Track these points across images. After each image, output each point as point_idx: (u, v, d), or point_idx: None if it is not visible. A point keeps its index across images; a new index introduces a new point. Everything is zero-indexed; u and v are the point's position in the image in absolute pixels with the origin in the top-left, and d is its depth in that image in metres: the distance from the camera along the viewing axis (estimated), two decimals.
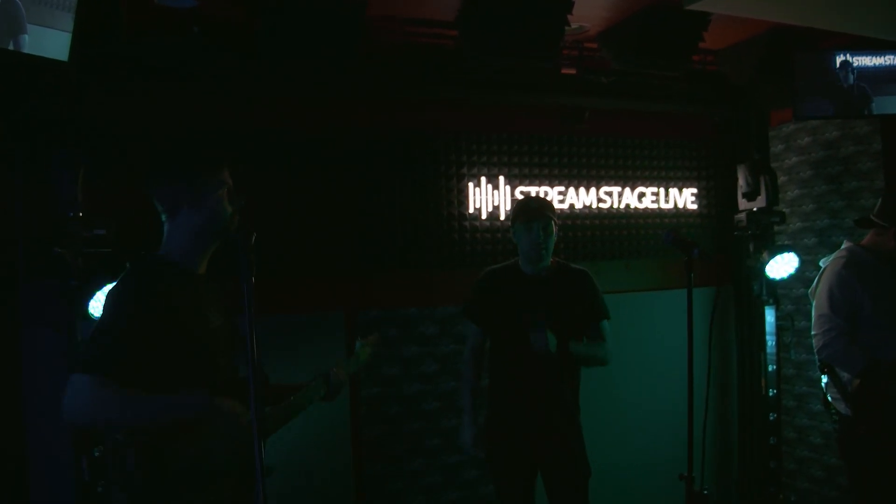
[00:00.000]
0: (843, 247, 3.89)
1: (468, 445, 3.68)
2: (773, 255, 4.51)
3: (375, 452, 4.29)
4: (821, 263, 3.96)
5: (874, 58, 4.40)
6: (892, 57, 4.41)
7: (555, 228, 3.55)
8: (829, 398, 3.84)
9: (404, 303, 4.37)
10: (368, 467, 4.27)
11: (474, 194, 4.48)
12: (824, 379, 3.86)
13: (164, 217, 2.42)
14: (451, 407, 4.43)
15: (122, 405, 2.17)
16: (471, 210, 4.48)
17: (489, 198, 4.51)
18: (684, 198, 5.15)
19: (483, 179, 4.51)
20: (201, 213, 2.38)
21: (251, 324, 2.03)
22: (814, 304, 3.84)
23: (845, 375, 3.71)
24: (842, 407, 3.75)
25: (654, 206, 5.05)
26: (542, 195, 4.62)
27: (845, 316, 3.64)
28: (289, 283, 3.95)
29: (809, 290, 3.98)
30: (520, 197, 4.53)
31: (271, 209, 3.76)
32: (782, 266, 4.54)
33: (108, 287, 3.07)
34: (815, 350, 3.74)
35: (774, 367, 4.84)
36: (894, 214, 3.73)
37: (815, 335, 3.73)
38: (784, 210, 4.95)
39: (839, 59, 4.40)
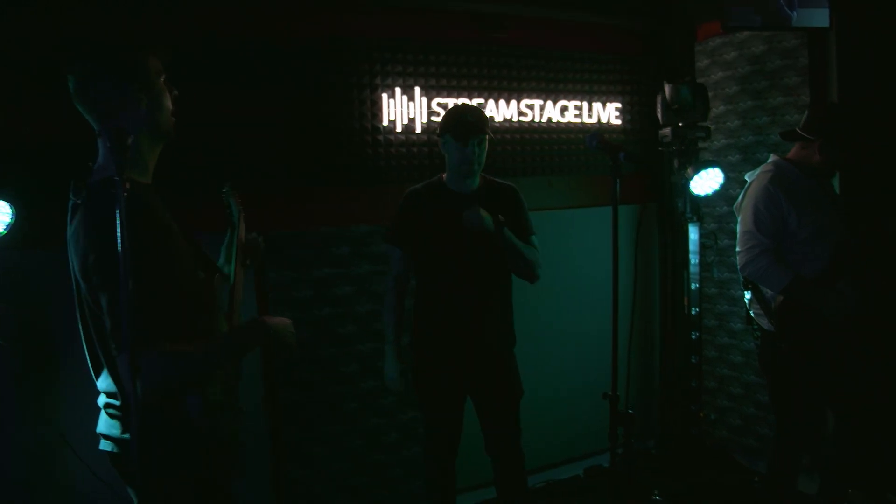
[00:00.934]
0: (769, 160, 3.78)
1: (394, 381, 3.56)
2: (697, 170, 4.37)
3: (288, 381, 4.07)
4: (746, 177, 3.86)
5: None
6: None
7: (488, 143, 3.39)
8: (752, 314, 3.78)
9: (316, 222, 4.10)
10: (282, 396, 4.05)
11: (388, 106, 4.19)
12: (747, 295, 3.79)
13: (97, 127, 2.11)
14: (368, 330, 4.24)
15: (200, 362, 2.09)
16: (385, 123, 4.20)
17: (404, 110, 4.23)
18: (608, 112, 4.97)
19: (398, 90, 4.22)
20: (143, 111, 2.12)
21: (124, 236, 1.73)
22: (739, 220, 3.74)
23: (769, 292, 3.65)
24: (765, 323, 3.70)
25: (577, 120, 4.85)
26: None
27: (771, 233, 3.55)
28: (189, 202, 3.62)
29: (735, 206, 3.88)
30: (437, 109, 4.29)
31: None
32: (707, 182, 4.41)
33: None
34: (739, 267, 3.66)
35: (697, 285, 4.77)
36: (820, 127, 3.64)
37: (738, 252, 3.65)
38: (710, 126, 4.82)
39: None
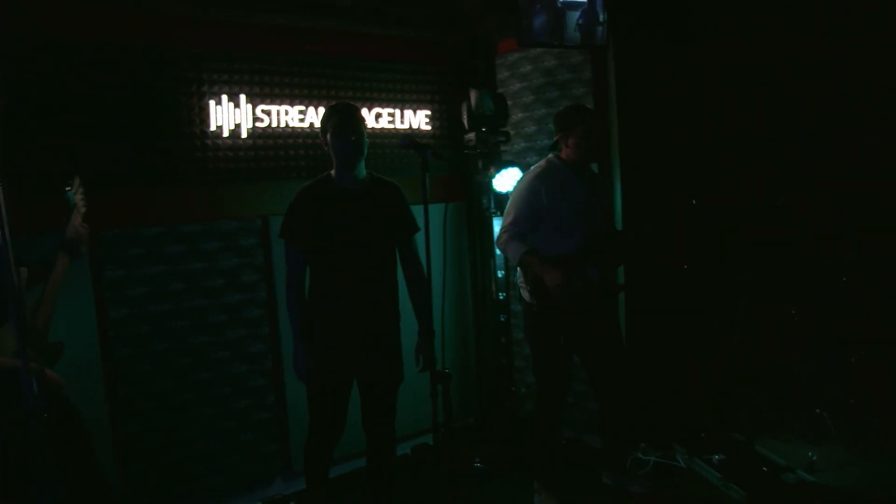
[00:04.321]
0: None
1: (309, 372, 3.71)
2: (498, 170, 4.90)
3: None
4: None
5: None
6: None
7: (366, 136, 3.68)
8: (520, 286, 4.30)
9: (147, 221, 4.27)
10: (121, 390, 4.22)
11: (216, 112, 4.47)
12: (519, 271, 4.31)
13: None
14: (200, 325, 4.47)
15: None
16: (212, 128, 4.47)
17: (231, 116, 4.52)
18: (419, 119, 5.43)
19: (224, 98, 4.50)
20: None
21: None
22: None
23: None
24: (526, 294, 4.22)
25: (391, 126, 5.28)
26: (283, 113, 4.72)
27: (522, 217, 4.13)
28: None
29: None
30: (261, 115, 4.62)
31: None
32: (507, 180, 4.95)
33: None
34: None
35: (503, 273, 5.29)
36: (560, 124, 4.24)
37: None
38: (510, 131, 5.38)
39: None
